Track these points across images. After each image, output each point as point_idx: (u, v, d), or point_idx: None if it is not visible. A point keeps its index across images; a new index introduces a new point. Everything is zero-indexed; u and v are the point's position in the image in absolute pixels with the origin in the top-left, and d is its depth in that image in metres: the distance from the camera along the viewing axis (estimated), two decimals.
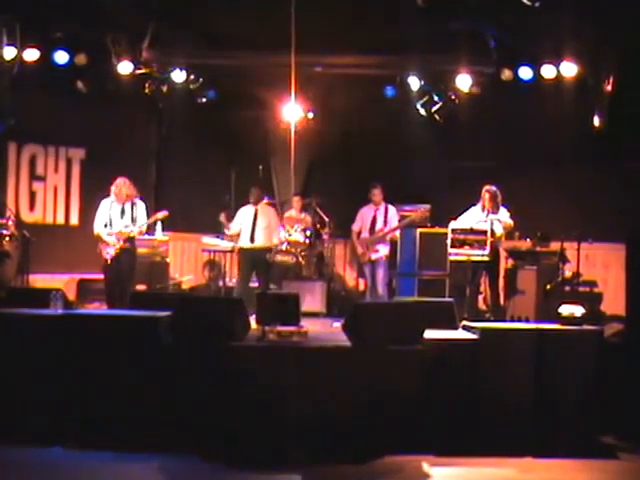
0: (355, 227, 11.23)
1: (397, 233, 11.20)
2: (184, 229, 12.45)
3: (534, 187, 11.41)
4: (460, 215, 9.99)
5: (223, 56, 11.15)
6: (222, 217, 11.12)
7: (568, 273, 10.15)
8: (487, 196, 9.87)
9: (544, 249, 10.51)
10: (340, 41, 10.59)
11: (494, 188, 9.90)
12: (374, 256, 10.96)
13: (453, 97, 11.33)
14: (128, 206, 9.42)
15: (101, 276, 9.66)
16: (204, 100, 11.90)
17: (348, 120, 12.52)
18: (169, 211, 10.04)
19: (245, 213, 11.04)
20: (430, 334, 6.17)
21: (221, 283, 11.49)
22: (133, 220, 9.38)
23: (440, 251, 10.57)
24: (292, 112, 11.66)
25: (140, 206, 9.53)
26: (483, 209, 9.89)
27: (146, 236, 10.62)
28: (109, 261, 9.30)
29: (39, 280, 10.28)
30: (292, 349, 6.04)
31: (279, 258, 11.53)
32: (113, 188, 9.43)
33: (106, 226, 9.36)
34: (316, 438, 5.82)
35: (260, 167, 12.56)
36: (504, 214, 9.93)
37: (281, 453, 5.78)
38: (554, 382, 6.13)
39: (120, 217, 9.40)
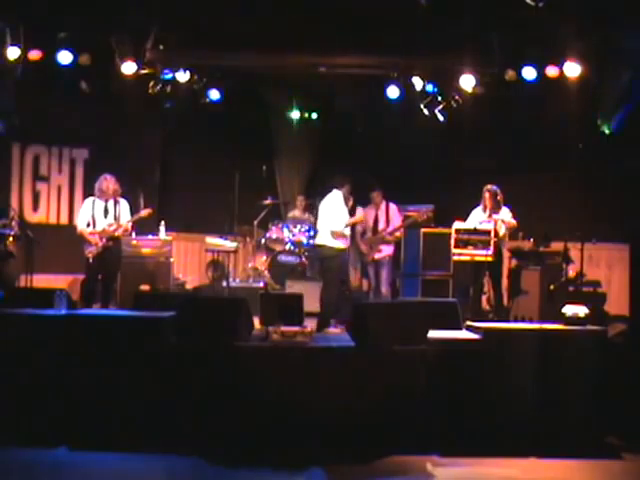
0: (357, 227, 11.21)
1: (401, 232, 11.17)
2: (188, 229, 12.45)
3: (538, 187, 11.40)
4: (465, 216, 10.00)
5: (227, 57, 11.14)
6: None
7: (572, 273, 10.15)
8: (487, 195, 9.91)
9: (547, 249, 10.51)
10: (343, 41, 10.58)
11: (494, 187, 9.93)
12: (377, 255, 10.95)
13: (456, 97, 11.30)
14: (111, 204, 9.41)
15: None
16: (208, 100, 11.90)
17: (351, 120, 12.50)
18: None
19: (342, 205, 9.64)
20: (434, 334, 6.17)
21: (225, 283, 11.48)
22: (116, 219, 9.38)
23: (444, 251, 10.57)
24: (297, 113, 11.68)
25: (123, 204, 9.53)
26: (485, 209, 9.92)
27: (149, 236, 10.62)
28: (91, 260, 9.26)
29: (43, 280, 10.28)
30: (296, 349, 6.04)
31: (283, 258, 11.59)
32: (98, 184, 9.42)
33: (89, 225, 9.35)
34: (319, 438, 5.82)
35: (264, 167, 12.57)
36: (507, 214, 9.93)
37: (284, 453, 5.78)
38: (558, 382, 6.13)
39: (104, 216, 9.38)
